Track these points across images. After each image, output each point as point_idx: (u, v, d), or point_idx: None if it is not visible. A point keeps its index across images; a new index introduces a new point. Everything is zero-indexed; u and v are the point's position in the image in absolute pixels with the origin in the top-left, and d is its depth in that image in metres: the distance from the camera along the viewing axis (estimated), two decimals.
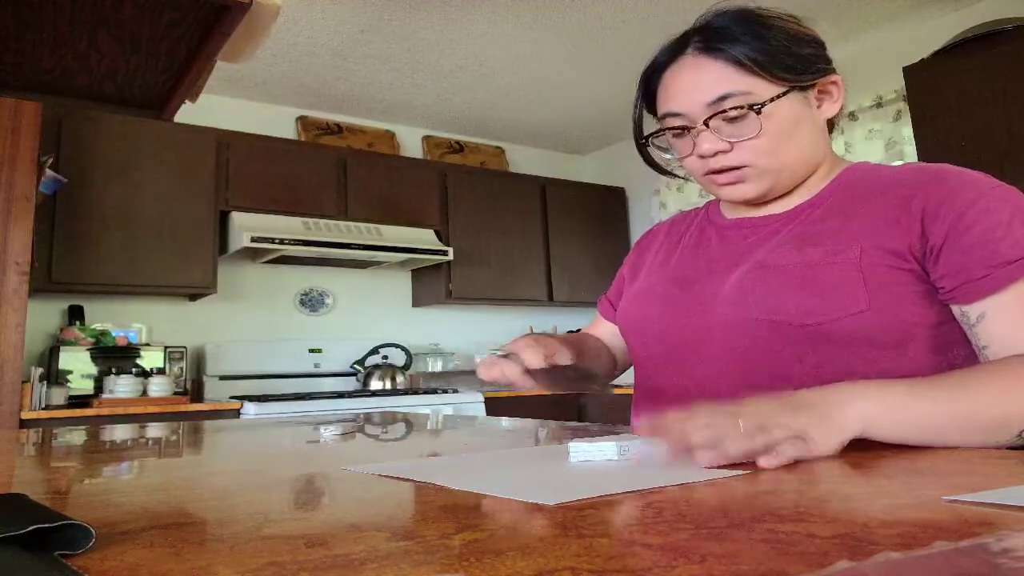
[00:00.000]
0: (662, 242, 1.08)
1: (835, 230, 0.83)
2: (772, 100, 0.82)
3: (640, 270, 1.08)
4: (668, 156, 0.94)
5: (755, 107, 0.82)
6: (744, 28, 0.84)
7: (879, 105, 3.45)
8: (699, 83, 0.85)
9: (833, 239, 0.82)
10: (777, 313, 0.80)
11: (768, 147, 0.85)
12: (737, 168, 0.86)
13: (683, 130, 0.87)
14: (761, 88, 0.83)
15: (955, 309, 0.77)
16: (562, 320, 4.72)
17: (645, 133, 0.94)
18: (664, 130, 0.90)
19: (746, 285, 0.85)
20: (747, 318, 0.83)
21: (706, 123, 0.84)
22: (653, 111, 0.93)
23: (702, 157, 0.87)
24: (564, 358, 0.87)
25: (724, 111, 0.83)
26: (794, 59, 0.84)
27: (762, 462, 0.56)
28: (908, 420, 0.65)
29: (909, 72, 3.02)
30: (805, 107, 0.86)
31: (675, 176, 1.03)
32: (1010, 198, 0.77)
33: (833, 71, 0.89)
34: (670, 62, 0.89)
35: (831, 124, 0.93)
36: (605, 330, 1.14)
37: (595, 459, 0.61)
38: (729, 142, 0.85)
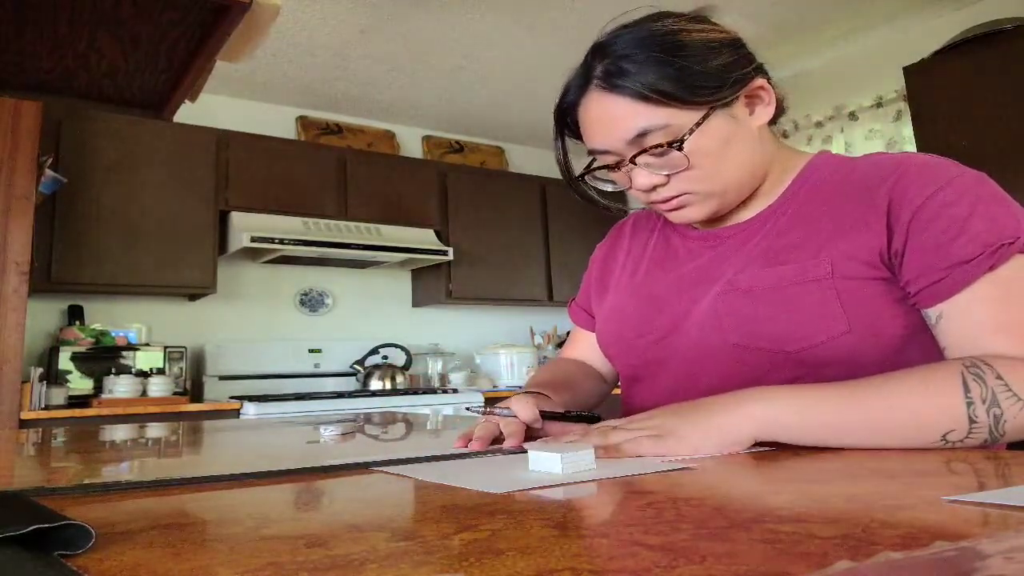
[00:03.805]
0: (628, 248, 1.04)
1: (803, 242, 0.80)
2: (692, 131, 0.77)
3: (608, 279, 1.05)
4: (609, 188, 0.89)
5: (675, 144, 0.77)
6: (646, 53, 0.77)
7: (879, 105, 3.45)
8: (612, 122, 0.79)
9: (803, 253, 0.79)
10: (756, 339, 0.79)
11: (703, 174, 0.80)
12: (678, 196, 0.83)
13: (616, 165, 0.83)
14: (678, 117, 0.77)
15: (922, 312, 0.75)
16: (562, 320, 4.72)
17: (573, 169, 0.89)
18: (598, 167, 0.85)
19: (720, 310, 0.83)
20: (725, 343, 0.82)
21: (633, 161, 0.80)
22: (581, 139, 0.87)
23: (641, 190, 0.83)
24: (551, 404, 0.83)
25: (646, 149, 0.78)
26: (708, 77, 0.77)
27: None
28: (814, 423, 0.65)
29: (909, 72, 3.03)
30: (733, 122, 0.80)
31: (619, 208, 0.97)
32: (971, 188, 0.74)
33: (755, 74, 0.81)
34: (579, 99, 0.83)
35: (778, 113, 0.86)
36: (587, 344, 1.09)
37: (544, 469, 0.56)
38: (663, 175, 0.81)
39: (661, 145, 0.78)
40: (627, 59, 0.78)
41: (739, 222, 0.89)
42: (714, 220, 0.90)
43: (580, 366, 1.09)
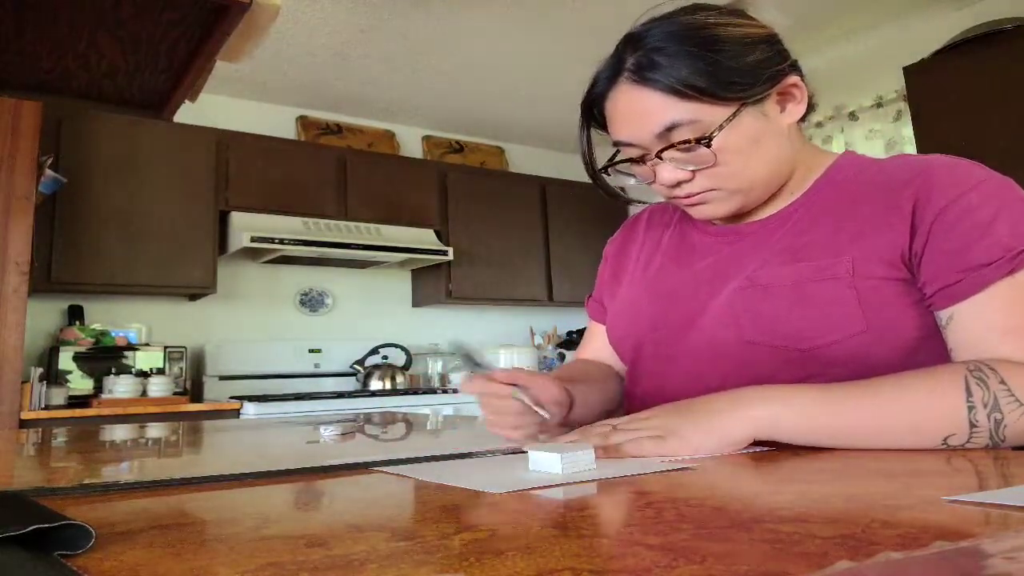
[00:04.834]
0: (643, 241, 1.03)
1: (825, 240, 0.80)
2: (721, 127, 0.76)
3: (622, 273, 1.04)
4: (632, 182, 0.88)
5: (703, 140, 0.76)
6: (679, 46, 0.76)
7: (879, 105, 3.45)
8: (641, 115, 0.78)
9: (823, 251, 0.79)
10: (771, 336, 0.79)
11: (730, 172, 0.79)
12: (702, 192, 0.82)
13: (641, 159, 0.82)
14: (708, 113, 0.76)
15: (935, 313, 0.75)
16: (562, 320, 4.72)
17: (597, 161, 0.88)
18: (622, 161, 0.85)
19: (737, 305, 0.82)
20: (740, 340, 0.81)
21: (659, 155, 0.79)
22: (607, 130, 0.87)
23: (665, 185, 0.83)
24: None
25: (673, 144, 0.78)
26: (741, 73, 0.76)
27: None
28: (813, 425, 0.65)
29: (909, 72, 3.03)
30: (763, 120, 0.79)
31: (639, 202, 0.97)
32: (997, 193, 0.73)
33: (789, 70, 0.80)
34: (608, 91, 0.82)
35: (808, 110, 0.85)
36: (603, 340, 1.07)
37: (544, 469, 0.56)
38: (689, 171, 0.80)
39: (689, 141, 0.77)
40: (659, 52, 0.77)
41: (760, 219, 0.88)
42: (735, 216, 0.89)
43: (600, 367, 1.07)
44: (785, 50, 0.82)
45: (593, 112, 0.87)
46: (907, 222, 0.75)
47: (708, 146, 0.77)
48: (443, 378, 4.01)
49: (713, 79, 0.75)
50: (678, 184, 0.82)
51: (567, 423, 0.85)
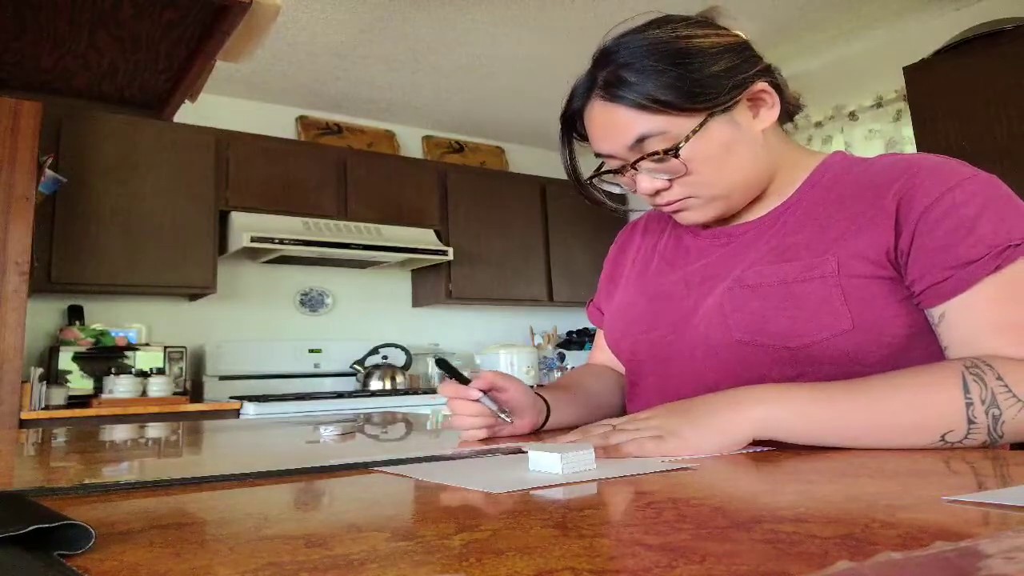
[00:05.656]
0: (639, 245, 1.05)
1: (811, 240, 0.80)
2: (688, 138, 0.78)
3: (619, 277, 1.06)
4: (617, 190, 0.90)
5: (670, 151, 0.78)
6: (646, 62, 0.78)
7: (879, 105, 3.45)
8: (614, 129, 0.81)
9: (810, 250, 0.79)
10: (761, 335, 0.79)
11: (704, 180, 0.81)
12: (681, 200, 0.84)
13: (621, 170, 0.85)
14: (676, 124, 0.78)
15: (926, 312, 0.75)
16: (562, 320, 4.72)
17: (581, 172, 0.91)
18: (606, 172, 0.88)
19: (726, 306, 0.83)
20: (730, 339, 0.82)
21: (634, 166, 0.82)
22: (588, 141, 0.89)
23: (645, 194, 0.85)
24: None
25: (645, 156, 0.80)
26: (706, 85, 0.78)
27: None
28: (812, 424, 0.65)
29: (909, 72, 3.03)
30: (733, 127, 0.80)
31: (626, 210, 1.01)
32: (981, 190, 0.73)
33: (759, 76, 0.81)
34: (584, 106, 0.85)
35: (791, 113, 0.87)
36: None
37: (544, 469, 0.56)
38: (665, 180, 0.82)
39: (657, 152, 0.79)
40: (627, 68, 0.79)
41: (750, 220, 0.89)
42: (725, 219, 0.90)
43: (600, 374, 1.09)
44: (755, 56, 0.83)
45: (575, 124, 0.89)
46: (892, 219, 0.76)
47: (676, 156, 0.79)
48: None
49: (678, 92, 0.77)
50: (657, 193, 0.84)
51: (542, 428, 0.92)
